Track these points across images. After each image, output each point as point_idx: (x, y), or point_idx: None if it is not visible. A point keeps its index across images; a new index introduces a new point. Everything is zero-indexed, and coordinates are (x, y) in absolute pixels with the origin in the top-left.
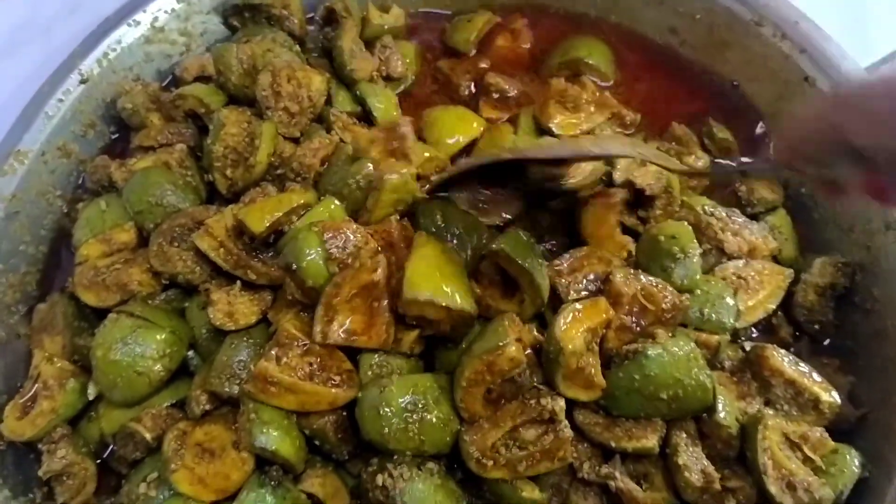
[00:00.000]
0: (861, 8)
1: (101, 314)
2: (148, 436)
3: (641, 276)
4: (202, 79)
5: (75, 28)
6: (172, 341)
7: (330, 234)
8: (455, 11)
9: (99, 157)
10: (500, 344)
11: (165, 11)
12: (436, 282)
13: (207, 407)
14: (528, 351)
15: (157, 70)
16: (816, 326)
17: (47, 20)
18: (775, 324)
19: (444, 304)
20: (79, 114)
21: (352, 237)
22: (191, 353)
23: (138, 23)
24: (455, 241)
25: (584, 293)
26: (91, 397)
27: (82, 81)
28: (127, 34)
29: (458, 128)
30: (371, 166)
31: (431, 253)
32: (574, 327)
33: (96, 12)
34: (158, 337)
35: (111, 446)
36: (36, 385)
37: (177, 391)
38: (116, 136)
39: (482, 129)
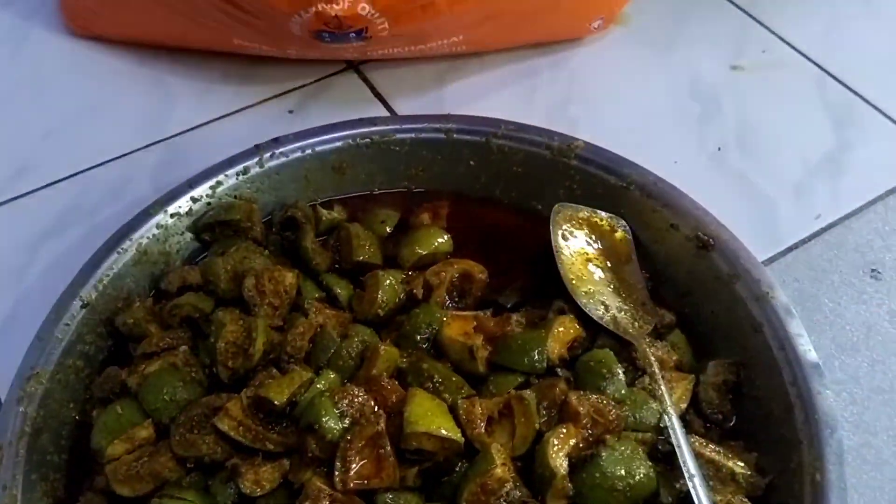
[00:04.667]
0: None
1: None
2: None
3: (590, 396)
4: (184, 288)
5: (117, 209)
6: None
7: (340, 396)
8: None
9: (110, 367)
10: (490, 467)
11: (147, 237)
12: (429, 420)
13: None
14: (513, 474)
15: (143, 287)
16: (720, 416)
17: (93, 205)
18: (689, 419)
19: (437, 435)
20: (83, 334)
21: (358, 397)
22: None
23: (125, 250)
24: (441, 394)
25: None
26: None
27: (83, 306)
28: (117, 261)
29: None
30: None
31: (422, 400)
32: (559, 454)
33: (136, 195)
34: None
35: None
36: None
37: None
38: (113, 348)
39: None
